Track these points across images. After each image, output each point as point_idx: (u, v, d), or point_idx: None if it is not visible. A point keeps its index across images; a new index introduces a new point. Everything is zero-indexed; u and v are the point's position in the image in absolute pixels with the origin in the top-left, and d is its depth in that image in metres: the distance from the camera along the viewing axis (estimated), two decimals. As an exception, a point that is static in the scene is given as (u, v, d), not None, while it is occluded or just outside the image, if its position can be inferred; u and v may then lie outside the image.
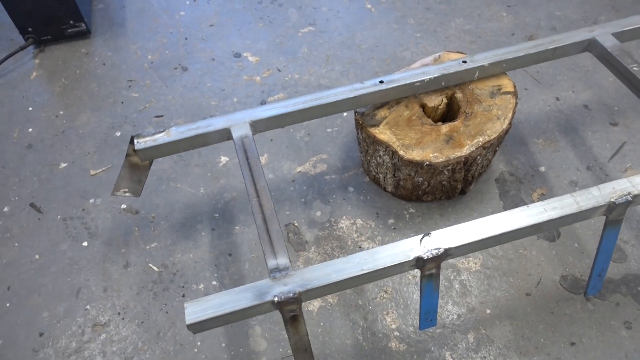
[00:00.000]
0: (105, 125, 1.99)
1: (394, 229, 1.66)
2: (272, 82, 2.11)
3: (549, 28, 2.22)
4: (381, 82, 1.60)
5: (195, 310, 1.14)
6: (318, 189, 1.77)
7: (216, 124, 1.52)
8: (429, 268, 1.22)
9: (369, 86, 1.59)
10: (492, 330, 1.45)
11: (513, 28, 2.25)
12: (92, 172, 1.85)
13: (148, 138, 1.50)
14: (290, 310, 1.17)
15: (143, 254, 1.64)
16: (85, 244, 1.68)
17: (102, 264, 1.63)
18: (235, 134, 1.49)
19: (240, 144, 1.47)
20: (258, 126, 1.53)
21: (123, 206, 1.76)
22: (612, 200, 1.24)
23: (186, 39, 2.32)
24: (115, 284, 1.58)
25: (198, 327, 1.14)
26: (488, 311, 1.49)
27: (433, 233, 1.22)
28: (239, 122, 1.51)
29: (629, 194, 1.24)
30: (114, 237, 1.69)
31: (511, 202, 1.71)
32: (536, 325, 1.46)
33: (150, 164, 1.57)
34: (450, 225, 1.24)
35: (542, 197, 1.71)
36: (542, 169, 1.78)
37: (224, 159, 1.87)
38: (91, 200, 1.78)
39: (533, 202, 1.70)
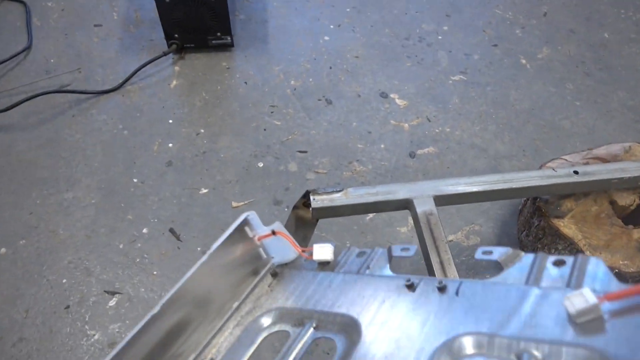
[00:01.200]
0: (247, 153, 1.92)
1: (556, 327, 1.54)
2: (422, 132, 2.00)
3: None
4: (576, 172, 1.47)
5: None
6: (472, 264, 1.66)
7: (398, 192, 1.41)
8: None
9: (563, 175, 1.46)
10: None
11: (683, 112, 2.09)
12: (234, 205, 1.78)
13: (325, 197, 1.41)
14: None
15: (286, 307, 1.56)
16: (226, 284, 1.60)
17: (244, 310, 1.56)
18: (419, 208, 1.38)
19: (425, 221, 1.36)
20: (439, 200, 1.43)
21: (266, 249, 1.68)
22: None
23: (330, 68, 2.22)
24: (257, 337, 1.50)
25: None
26: None
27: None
28: (422, 195, 1.41)
29: None
30: (256, 283, 1.61)
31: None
32: None
33: (317, 221, 1.48)
34: None
35: None
36: None
37: (370, 214, 1.77)
38: (232, 236, 1.70)
39: None
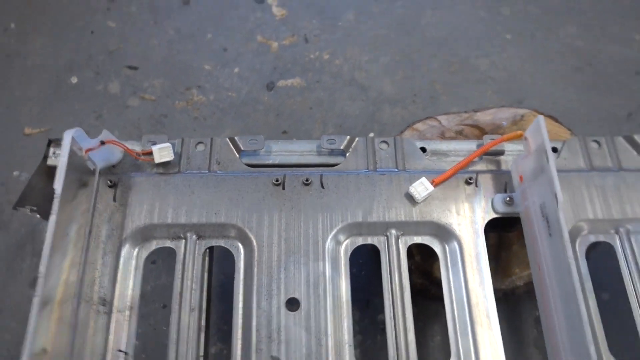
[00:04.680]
0: (62, 62, 1.50)
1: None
2: (292, 56, 1.55)
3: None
4: (423, 149, 1.07)
5: None
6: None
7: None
8: None
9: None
10: None
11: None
12: (27, 131, 1.41)
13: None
14: None
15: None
16: (-10, 234, 1.29)
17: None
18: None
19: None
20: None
21: (51, 193, 1.34)
22: None
23: (201, -47, 1.71)
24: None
25: None
26: None
27: None
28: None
29: None
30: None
31: None
32: None
33: (74, 176, 1.12)
34: None
35: None
36: None
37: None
38: (15, 173, 1.36)
39: None
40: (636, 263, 0.91)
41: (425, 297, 1.16)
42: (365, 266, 1.25)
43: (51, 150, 1.03)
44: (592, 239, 0.93)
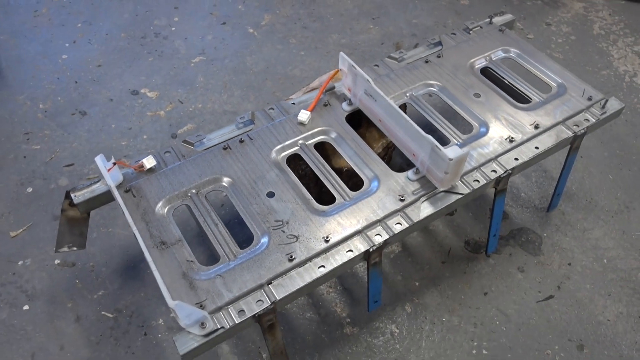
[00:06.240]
0: (12, 183, 1.93)
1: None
2: (177, 114, 2.19)
3: (410, 35, 2.59)
4: (293, 103, 1.79)
5: (185, 341, 1.24)
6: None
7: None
8: (373, 258, 1.45)
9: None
10: (423, 297, 1.73)
11: (381, 38, 2.58)
12: (13, 234, 1.80)
13: (85, 190, 1.53)
14: (268, 320, 1.32)
15: (92, 303, 1.66)
16: (26, 307, 1.64)
17: (51, 323, 1.62)
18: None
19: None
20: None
21: (57, 261, 1.74)
22: (499, 175, 1.57)
23: (76, 82, 2.29)
24: (71, 340, 1.58)
25: (191, 355, 1.24)
26: (416, 283, 1.76)
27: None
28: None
29: (509, 169, 1.58)
30: (56, 294, 1.67)
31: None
32: (455, 286, 1.76)
33: (89, 214, 1.59)
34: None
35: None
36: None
37: (149, 196, 1.93)
38: (20, 262, 1.73)
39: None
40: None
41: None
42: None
43: (72, 195, 1.52)
44: (398, 102, 1.73)
